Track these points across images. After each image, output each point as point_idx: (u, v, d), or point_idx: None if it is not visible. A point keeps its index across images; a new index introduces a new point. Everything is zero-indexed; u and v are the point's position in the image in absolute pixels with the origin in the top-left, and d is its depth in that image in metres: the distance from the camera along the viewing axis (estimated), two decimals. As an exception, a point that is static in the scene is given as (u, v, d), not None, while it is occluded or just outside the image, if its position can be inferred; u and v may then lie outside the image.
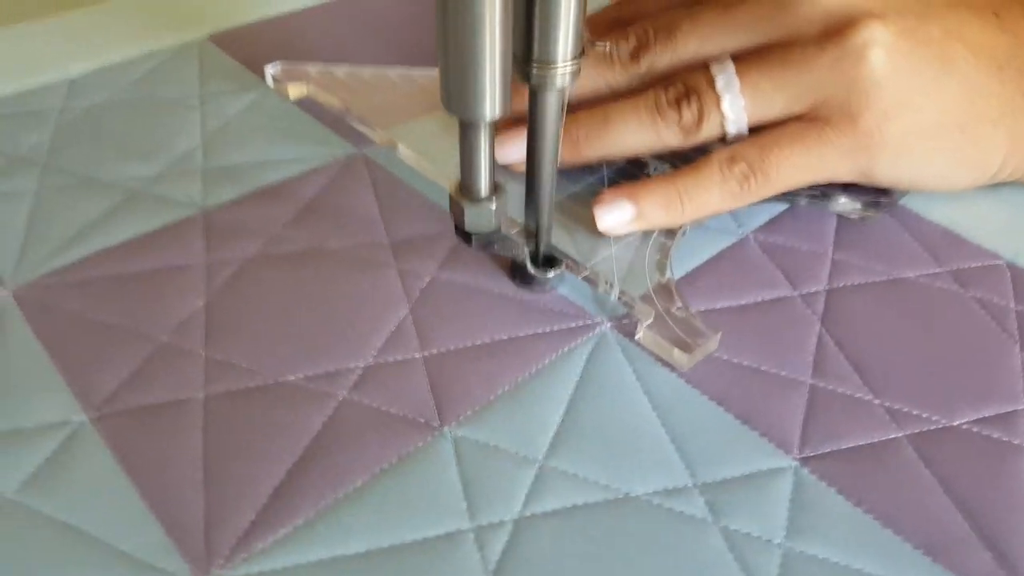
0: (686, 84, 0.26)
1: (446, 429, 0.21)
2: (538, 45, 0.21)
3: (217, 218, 0.27)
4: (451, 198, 0.23)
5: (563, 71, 0.21)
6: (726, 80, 0.25)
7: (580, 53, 0.22)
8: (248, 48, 0.36)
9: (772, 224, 0.28)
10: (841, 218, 0.28)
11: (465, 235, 0.24)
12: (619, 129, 0.26)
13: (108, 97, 0.33)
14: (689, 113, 0.26)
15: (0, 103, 0.32)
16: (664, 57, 0.26)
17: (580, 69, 0.22)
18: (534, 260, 0.25)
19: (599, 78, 0.27)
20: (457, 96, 0.20)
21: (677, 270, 0.25)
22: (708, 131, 0.26)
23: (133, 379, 0.22)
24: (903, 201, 0.29)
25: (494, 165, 0.22)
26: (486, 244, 0.24)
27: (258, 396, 0.22)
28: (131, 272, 0.25)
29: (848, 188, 0.28)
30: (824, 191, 0.28)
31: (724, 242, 0.27)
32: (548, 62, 0.21)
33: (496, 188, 0.23)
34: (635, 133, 0.26)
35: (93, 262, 0.25)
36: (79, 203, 0.27)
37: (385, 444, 0.20)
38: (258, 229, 0.27)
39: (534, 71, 0.21)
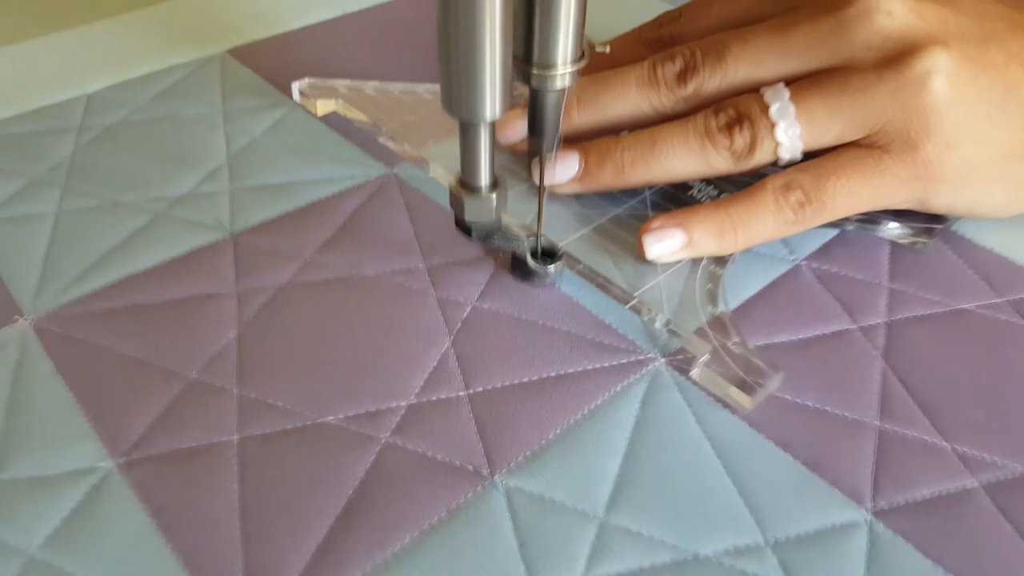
0: (737, 109, 0.25)
1: (497, 478, 0.20)
2: (538, 48, 0.21)
3: (247, 242, 0.26)
4: (451, 191, 0.24)
5: (563, 74, 0.22)
6: (781, 107, 0.24)
7: (580, 56, 0.22)
8: (269, 62, 0.35)
9: (824, 251, 0.26)
10: (893, 245, 0.27)
11: (465, 228, 0.24)
12: (667, 154, 0.25)
13: (127, 114, 0.31)
14: (741, 139, 0.24)
15: (18, 120, 0.31)
16: (713, 80, 0.25)
17: (580, 72, 0.22)
18: (533, 254, 0.25)
19: (644, 101, 0.26)
20: (458, 98, 0.20)
21: (730, 301, 0.24)
22: (760, 158, 0.25)
23: (163, 420, 0.21)
24: (953, 227, 0.28)
25: (494, 162, 0.23)
26: (485, 237, 0.25)
27: (296, 439, 0.20)
28: (158, 301, 0.24)
29: (899, 214, 0.27)
30: (873, 216, 0.27)
31: (777, 270, 0.26)
32: (548, 65, 0.22)
33: (495, 183, 0.23)
34: (683, 159, 0.25)
35: (117, 290, 0.24)
36: (101, 226, 0.26)
37: (433, 495, 0.19)
38: (290, 254, 0.25)
39: (534, 73, 0.22)
